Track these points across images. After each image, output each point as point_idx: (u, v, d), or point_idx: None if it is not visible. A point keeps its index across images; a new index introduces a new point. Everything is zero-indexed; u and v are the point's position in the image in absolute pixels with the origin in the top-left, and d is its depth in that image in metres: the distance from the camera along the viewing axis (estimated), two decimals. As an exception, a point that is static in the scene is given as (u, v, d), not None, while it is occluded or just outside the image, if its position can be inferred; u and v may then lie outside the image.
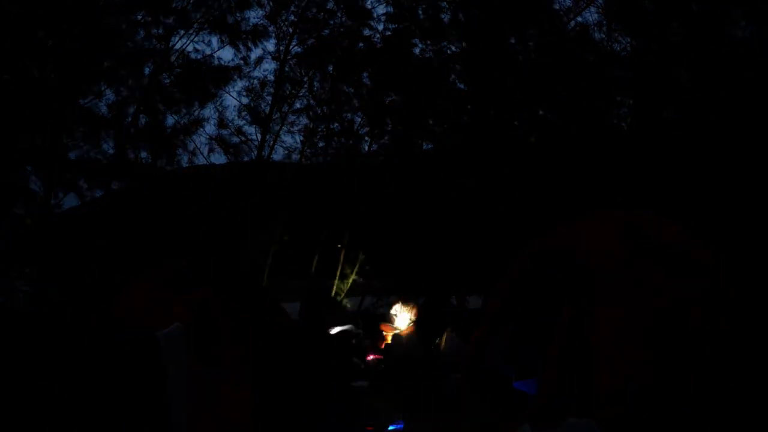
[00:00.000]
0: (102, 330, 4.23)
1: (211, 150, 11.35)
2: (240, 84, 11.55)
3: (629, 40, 10.76)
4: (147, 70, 10.49)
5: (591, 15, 11.45)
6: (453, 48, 11.88)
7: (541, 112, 11.50)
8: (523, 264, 6.50)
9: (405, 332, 7.92)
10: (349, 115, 12.36)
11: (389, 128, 12.31)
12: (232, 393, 4.48)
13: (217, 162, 11.86)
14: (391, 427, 5.14)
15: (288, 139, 12.41)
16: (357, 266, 11.26)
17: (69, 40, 9.01)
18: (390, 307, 8.99)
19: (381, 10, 12.17)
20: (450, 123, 11.78)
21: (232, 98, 11.55)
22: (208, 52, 11.09)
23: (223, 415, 4.41)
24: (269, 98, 11.62)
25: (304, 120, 12.18)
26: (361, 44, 12.14)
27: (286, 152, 12.16)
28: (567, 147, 10.26)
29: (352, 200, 11.22)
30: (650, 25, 10.23)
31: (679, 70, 9.89)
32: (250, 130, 11.77)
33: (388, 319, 8.49)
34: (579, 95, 10.50)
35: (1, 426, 3.76)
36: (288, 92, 11.69)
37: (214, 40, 11.07)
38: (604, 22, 10.89)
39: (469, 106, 11.80)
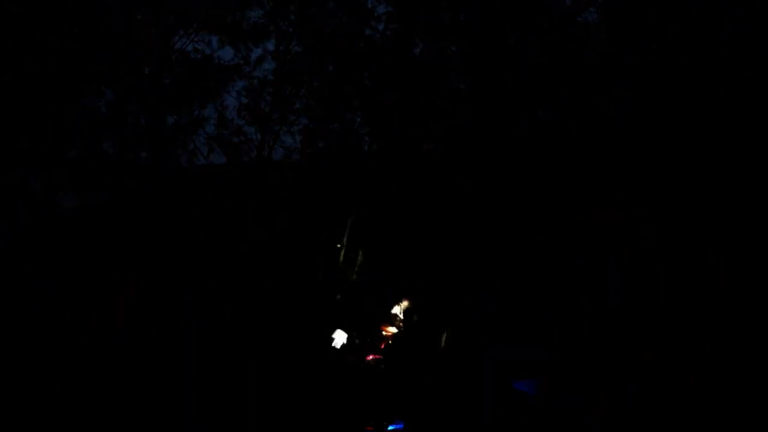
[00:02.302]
0: (102, 330, 4.23)
1: (211, 150, 11.36)
2: (240, 84, 11.56)
3: (629, 39, 10.77)
4: (147, 70, 10.50)
5: (591, 15, 11.47)
6: (453, 48, 11.88)
7: (540, 113, 11.50)
8: (524, 264, 6.52)
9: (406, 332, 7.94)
10: (349, 115, 12.37)
11: (389, 128, 12.31)
12: (234, 392, 4.49)
13: (216, 162, 11.86)
14: (391, 427, 5.13)
15: (288, 140, 12.43)
16: (357, 266, 11.25)
17: (69, 40, 9.02)
18: (390, 307, 9.00)
19: (381, 9, 12.19)
20: (450, 123, 11.77)
21: (232, 98, 11.56)
22: (208, 52, 11.12)
23: (228, 412, 4.42)
24: (269, 98, 11.63)
25: (304, 120, 12.19)
26: (361, 44, 12.14)
27: (286, 152, 12.17)
28: (567, 146, 10.26)
29: (352, 200, 11.21)
30: (650, 24, 10.24)
31: (679, 69, 9.90)
32: (250, 129, 11.78)
33: (389, 320, 8.49)
34: (579, 95, 10.50)
35: (2, 425, 3.76)
36: (288, 92, 11.69)
37: (214, 40, 11.09)
38: (605, 22, 10.90)
39: (469, 106, 11.80)
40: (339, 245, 11.28)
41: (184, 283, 4.92)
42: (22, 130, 8.53)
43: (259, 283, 9.13)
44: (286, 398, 5.47)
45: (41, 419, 3.76)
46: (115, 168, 9.92)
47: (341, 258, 11.28)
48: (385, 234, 11.14)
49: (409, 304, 9.00)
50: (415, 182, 11.38)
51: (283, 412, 5.34)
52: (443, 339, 7.73)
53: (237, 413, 4.66)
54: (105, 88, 9.98)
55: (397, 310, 8.81)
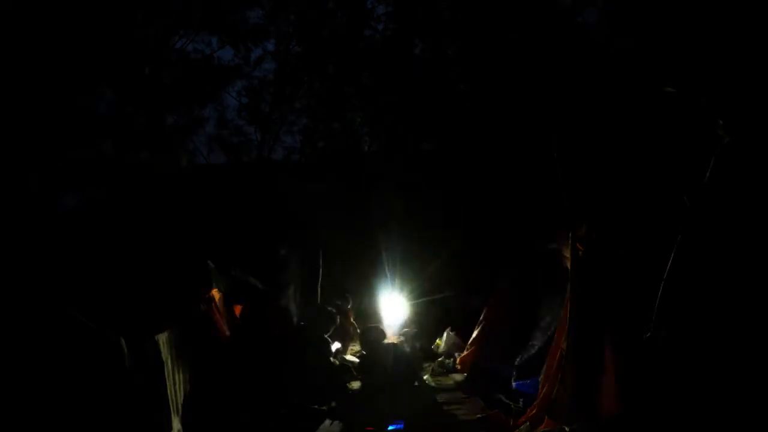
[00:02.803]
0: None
1: (211, 150, 11.40)
2: (240, 84, 11.59)
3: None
4: (147, 70, 10.51)
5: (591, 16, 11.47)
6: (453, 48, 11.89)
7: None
8: (518, 266, 6.58)
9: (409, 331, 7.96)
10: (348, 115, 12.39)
11: (389, 128, 12.31)
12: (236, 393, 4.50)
13: (216, 162, 11.87)
14: (391, 427, 5.13)
15: (288, 139, 12.45)
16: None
17: (69, 41, 9.03)
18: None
19: (381, 10, 12.22)
20: (450, 123, 11.77)
21: (232, 98, 11.58)
22: (208, 52, 11.14)
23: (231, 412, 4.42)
24: (269, 98, 11.66)
25: (304, 120, 12.22)
26: (360, 44, 12.16)
27: (286, 152, 12.20)
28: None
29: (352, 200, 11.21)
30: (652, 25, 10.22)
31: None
32: (250, 129, 11.80)
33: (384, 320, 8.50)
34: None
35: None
36: (288, 92, 11.71)
37: (214, 40, 11.11)
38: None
39: (468, 105, 11.79)
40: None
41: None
42: (23, 130, 8.53)
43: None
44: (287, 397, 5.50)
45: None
46: (114, 168, 9.92)
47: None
48: (385, 233, 11.14)
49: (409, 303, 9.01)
50: (414, 183, 11.38)
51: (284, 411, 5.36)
52: (444, 338, 7.74)
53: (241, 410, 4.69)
54: (105, 88, 10.00)
55: (395, 309, 8.81)
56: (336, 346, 7.46)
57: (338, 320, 7.85)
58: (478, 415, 5.27)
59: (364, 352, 7.51)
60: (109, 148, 10.13)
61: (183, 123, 10.92)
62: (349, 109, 12.15)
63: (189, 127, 10.91)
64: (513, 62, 11.10)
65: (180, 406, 4.37)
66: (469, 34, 11.49)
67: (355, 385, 6.56)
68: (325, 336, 7.13)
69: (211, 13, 10.80)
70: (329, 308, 7.81)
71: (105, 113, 10.04)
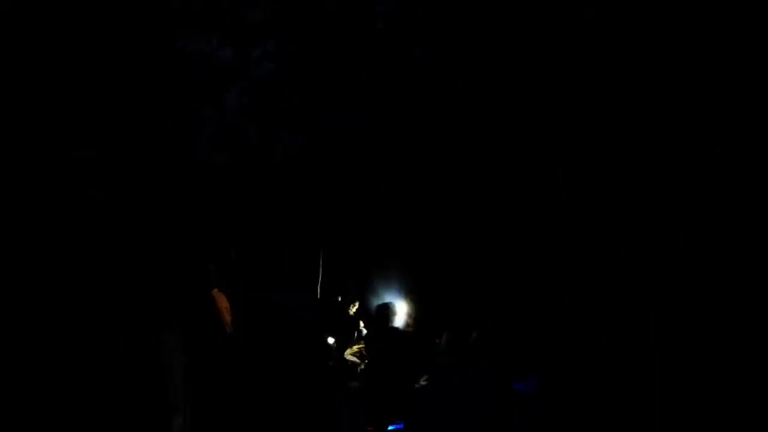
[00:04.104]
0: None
1: (211, 149, 11.38)
2: (240, 84, 11.57)
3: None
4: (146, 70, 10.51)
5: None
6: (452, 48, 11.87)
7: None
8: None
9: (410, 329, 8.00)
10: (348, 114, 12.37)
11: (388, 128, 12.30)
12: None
13: (216, 162, 11.86)
14: (391, 427, 5.14)
15: (288, 139, 12.44)
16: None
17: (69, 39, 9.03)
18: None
19: (381, 9, 12.19)
20: (450, 124, 11.76)
21: (232, 98, 11.56)
22: (208, 52, 11.12)
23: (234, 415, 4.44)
24: (269, 98, 11.65)
25: (304, 120, 12.20)
26: (360, 45, 12.15)
27: (286, 152, 12.19)
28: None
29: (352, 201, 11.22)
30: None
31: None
32: (249, 129, 11.79)
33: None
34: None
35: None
36: (288, 92, 11.71)
37: (215, 40, 11.10)
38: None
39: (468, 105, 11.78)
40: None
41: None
42: (24, 130, 8.54)
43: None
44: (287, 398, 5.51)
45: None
46: (114, 168, 9.93)
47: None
48: (384, 234, 11.16)
49: (408, 301, 9.03)
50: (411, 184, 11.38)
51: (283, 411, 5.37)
52: (443, 337, 7.73)
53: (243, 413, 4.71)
54: (105, 88, 9.99)
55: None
56: (331, 340, 7.45)
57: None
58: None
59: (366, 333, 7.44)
60: (108, 148, 10.13)
61: (182, 123, 10.91)
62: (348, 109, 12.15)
63: (188, 127, 10.91)
64: (513, 61, 11.10)
65: (179, 406, 4.38)
66: (469, 32, 11.48)
67: (355, 385, 6.57)
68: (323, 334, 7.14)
69: (211, 13, 10.81)
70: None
71: (105, 113, 10.03)
